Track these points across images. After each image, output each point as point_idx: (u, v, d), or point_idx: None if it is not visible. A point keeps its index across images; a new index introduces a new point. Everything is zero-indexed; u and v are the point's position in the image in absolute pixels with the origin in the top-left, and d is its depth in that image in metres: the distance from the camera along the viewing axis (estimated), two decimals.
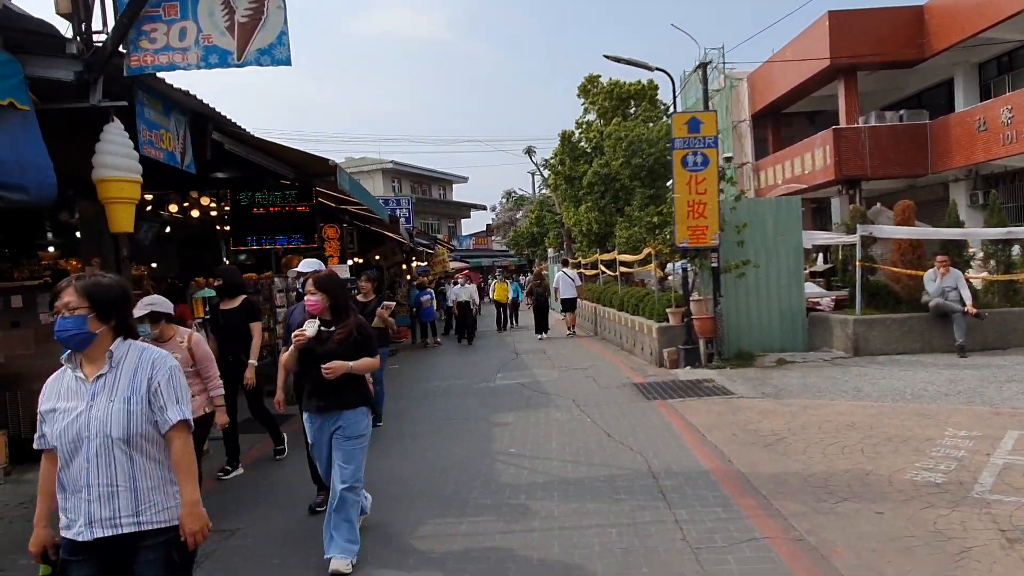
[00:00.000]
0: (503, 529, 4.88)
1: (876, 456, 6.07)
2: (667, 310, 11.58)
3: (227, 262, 15.25)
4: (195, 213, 13.49)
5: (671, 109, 22.17)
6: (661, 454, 6.51)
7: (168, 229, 15.62)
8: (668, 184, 12.13)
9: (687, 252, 11.17)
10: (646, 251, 12.89)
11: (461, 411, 9.00)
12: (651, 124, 18.73)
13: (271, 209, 10.83)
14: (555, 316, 20.45)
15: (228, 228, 11.17)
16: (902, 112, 21.98)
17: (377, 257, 21.84)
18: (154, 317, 5.06)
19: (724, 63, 23.79)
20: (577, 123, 21.41)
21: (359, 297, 8.47)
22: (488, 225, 54.74)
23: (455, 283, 19.73)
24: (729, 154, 17.23)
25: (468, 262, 44.54)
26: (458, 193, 54.68)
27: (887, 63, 21.65)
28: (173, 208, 12.92)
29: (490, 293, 20.98)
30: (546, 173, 26.73)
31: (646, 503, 5.22)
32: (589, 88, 21.04)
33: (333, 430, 4.50)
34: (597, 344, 15.86)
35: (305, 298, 4.48)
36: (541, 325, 18.19)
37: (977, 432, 6.64)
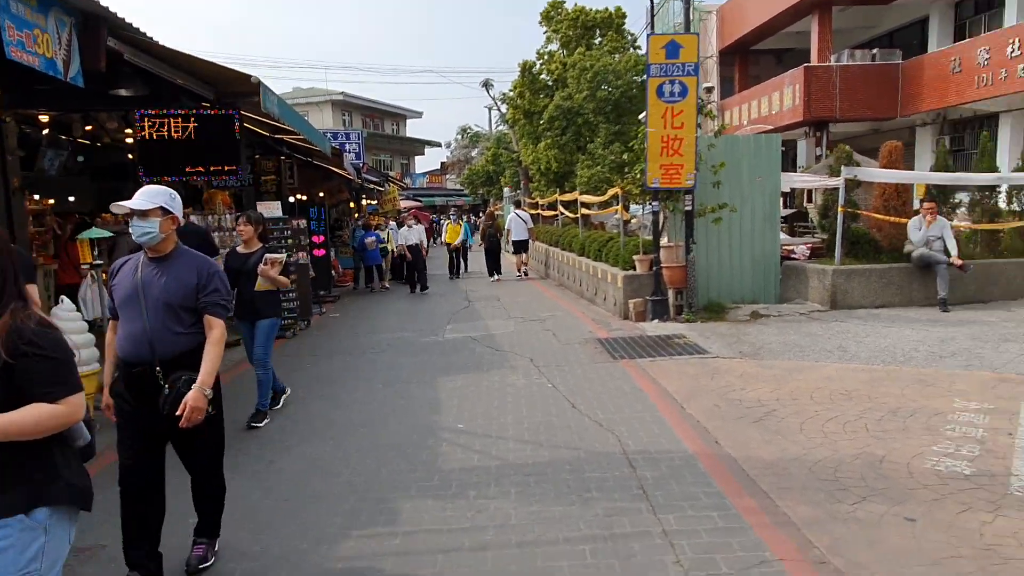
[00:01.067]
0: (447, 545, 3.81)
1: (884, 436, 5.17)
2: (634, 257, 10.52)
3: None
4: (106, 140, 11.84)
5: (639, 39, 20.78)
6: (636, 432, 5.51)
7: (80, 158, 13.88)
8: (641, 117, 10.90)
9: (658, 193, 10.07)
10: (612, 192, 11.74)
11: (404, 372, 7.88)
12: (617, 56, 17.35)
13: (180, 136, 9.30)
14: (507, 258, 19.39)
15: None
16: (875, 51, 20.99)
17: (321, 194, 20.24)
18: None
19: None
20: (539, 53, 19.86)
21: (239, 248, 6.48)
22: (442, 163, 52.84)
23: (400, 224, 18.02)
24: (710, 84, 16.07)
25: (421, 200, 42.87)
26: (412, 129, 52.42)
27: None
28: (78, 134, 11.23)
29: (442, 235, 18.79)
30: (504, 108, 25.14)
31: (624, 504, 4.21)
32: (552, 15, 19.44)
33: None
34: (553, 290, 14.83)
35: None
36: (493, 267, 17.31)
37: (988, 404, 5.81)
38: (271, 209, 10.30)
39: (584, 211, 14.47)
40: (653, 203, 10.06)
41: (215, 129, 9.47)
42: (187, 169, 9.46)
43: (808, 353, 7.82)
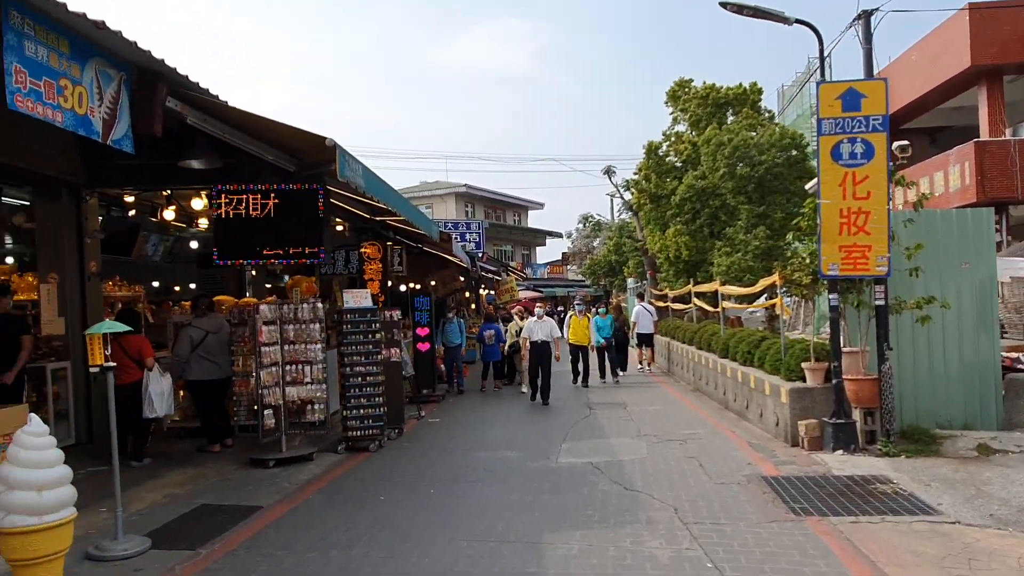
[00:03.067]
0: None
1: None
2: (803, 365, 7.90)
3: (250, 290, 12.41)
4: (203, 222, 10.77)
5: (777, 116, 18.50)
6: None
7: (195, 244, 13.06)
8: (809, 186, 8.48)
9: (837, 284, 7.52)
10: (767, 281, 9.25)
11: (500, 519, 5.61)
12: (756, 132, 15.06)
13: (259, 213, 7.85)
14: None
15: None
16: None
17: (433, 283, 18.83)
18: None
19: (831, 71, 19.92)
20: (665, 135, 17.91)
21: None
22: (564, 253, 51.45)
23: (521, 315, 15.48)
24: (904, 141, 13.37)
25: (541, 291, 41.23)
26: (534, 220, 51.63)
27: None
28: (169, 215, 10.19)
29: (564, 331, 14.02)
30: (627, 195, 23.24)
31: None
32: (679, 94, 17.55)
33: None
34: (689, 396, 12.20)
35: None
36: (619, 363, 14.86)
37: None
38: (358, 299, 8.59)
39: (728, 305, 11.94)
40: (831, 296, 7.50)
41: (297, 206, 7.96)
42: (264, 251, 7.99)
43: None
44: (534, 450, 8.07)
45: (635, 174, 18.23)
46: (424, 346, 12.68)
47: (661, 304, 19.02)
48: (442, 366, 13.83)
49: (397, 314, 9.42)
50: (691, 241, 16.07)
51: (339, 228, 13.03)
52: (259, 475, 7.13)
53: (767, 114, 16.98)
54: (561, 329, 13.71)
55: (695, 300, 14.18)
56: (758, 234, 12.98)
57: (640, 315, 16.46)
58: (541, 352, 12.05)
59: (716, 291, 11.98)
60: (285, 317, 7.79)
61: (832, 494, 5.96)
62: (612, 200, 37.89)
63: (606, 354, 14.25)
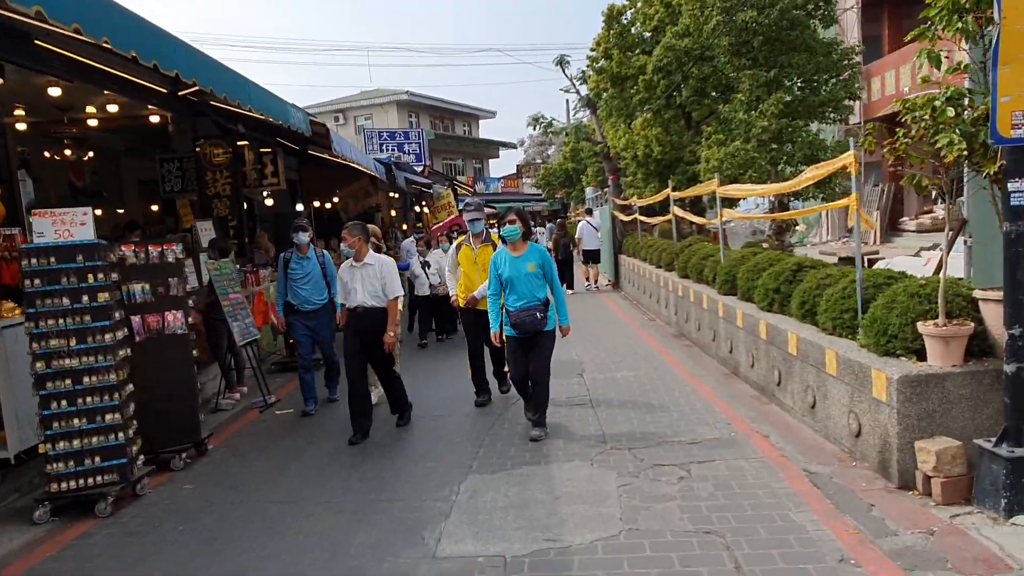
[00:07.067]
0: None
1: None
2: (924, 329, 3.88)
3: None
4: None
5: None
6: None
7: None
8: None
9: (1021, 157, 3.45)
10: (831, 166, 5.08)
11: None
12: None
13: None
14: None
15: None
16: None
17: (335, 200, 14.41)
18: None
19: None
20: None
21: None
22: (518, 166, 46.74)
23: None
24: None
25: (494, 207, 36.80)
26: (485, 131, 46.30)
27: None
28: None
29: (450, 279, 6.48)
30: (583, 90, 18.70)
31: None
32: None
33: None
34: (671, 347, 8.30)
35: None
36: (566, 279, 12.93)
37: None
38: (61, 228, 4.24)
39: (729, 213, 7.83)
40: (1015, 184, 3.41)
41: None
42: None
43: None
44: (402, 509, 4.03)
45: (592, 50, 13.66)
46: None
47: (625, 217, 14.91)
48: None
49: (175, 250, 5.10)
50: (664, 135, 11.84)
51: (154, 119, 8.49)
52: None
53: None
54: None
55: (675, 209, 10.04)
56: (766, 110, 8.80)
57: (584, 230, 15.17)
58: (362, 327, 5.42)
59: (709, 196, 7.85)
60: None
61: None
62: (568, 100, 33.05)
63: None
